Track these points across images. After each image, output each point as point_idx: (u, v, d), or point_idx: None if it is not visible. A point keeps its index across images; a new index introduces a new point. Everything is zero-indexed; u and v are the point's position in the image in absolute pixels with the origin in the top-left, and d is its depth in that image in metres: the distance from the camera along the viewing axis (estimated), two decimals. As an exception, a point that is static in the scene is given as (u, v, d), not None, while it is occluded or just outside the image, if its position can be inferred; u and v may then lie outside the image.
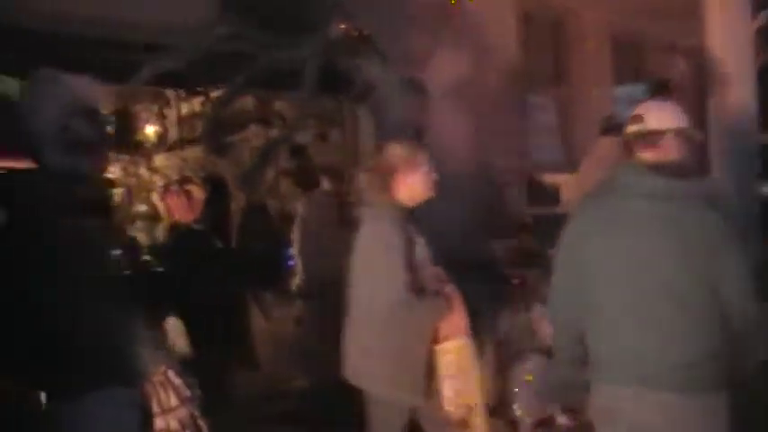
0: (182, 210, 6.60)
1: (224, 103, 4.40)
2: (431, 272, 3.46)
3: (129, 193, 8.96)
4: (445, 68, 5.56)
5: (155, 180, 8.53)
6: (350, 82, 4.58)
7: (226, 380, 6.21)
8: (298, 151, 6.49)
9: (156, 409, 2.29)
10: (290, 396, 5.95)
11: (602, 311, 2.78)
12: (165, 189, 6.63)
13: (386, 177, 3.41)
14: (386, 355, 3.25)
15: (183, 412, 2.33)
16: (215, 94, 7.38)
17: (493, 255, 5.16)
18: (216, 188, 7.03)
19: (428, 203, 5.59)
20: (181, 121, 8.19)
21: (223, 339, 6.30)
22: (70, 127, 2.16)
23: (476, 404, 3.30)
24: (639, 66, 8.84)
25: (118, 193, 9.10)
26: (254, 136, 7.08)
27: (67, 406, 2.03)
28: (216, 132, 4.94)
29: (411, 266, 3.26)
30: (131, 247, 6.55)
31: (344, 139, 5.69)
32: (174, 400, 2.31)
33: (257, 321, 7.04)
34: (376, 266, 3.30)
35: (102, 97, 2.38)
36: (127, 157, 9.04)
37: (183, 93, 7.64)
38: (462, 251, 5.28)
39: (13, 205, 2.05)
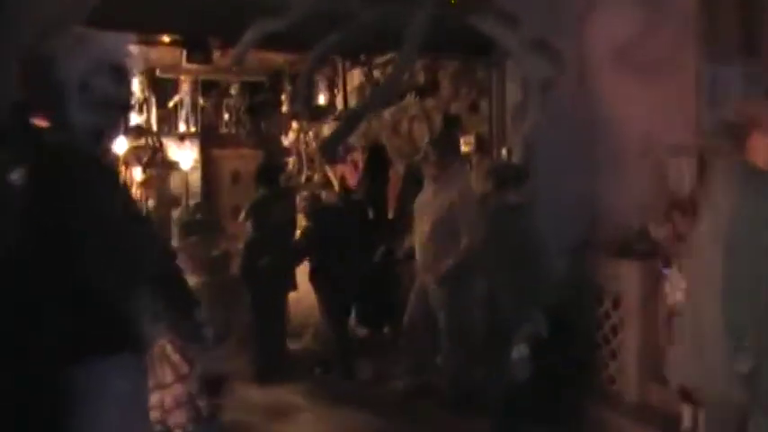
0: (348, 177, 6.60)
1: (315, 64, 4.20)
2: None
3: (301, 159, 9.14)
4: (609, 28, 4.94)
5: (322, 148, 8.61)
6: (488, 46, 4.18)
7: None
8: (450, 122, 6.20)
9: (150, 383, 2.17)
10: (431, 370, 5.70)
11: None
12: (332, 157, 6.70)
13: (741, 136, 2.91)
14: None
15: (178, 389, 2.19)
16: (379, 61, 7.31)
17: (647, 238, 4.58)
18: (378, 157, 6.95)
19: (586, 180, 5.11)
20: (346, 89, 8.16)
21: (367, 309, 6.26)
22: (91, 84, 2.08)
23: None
24: None
25: (291, 160, 9.36)
26: (410, 105, 6.88)
27: (78, 372, 1.99)
28: (308, 96, 4.76)
29: None
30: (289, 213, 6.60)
31: (490, 108, 5.27)
32: (169, 377, 2.18)
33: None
34: (735, 243, 2.80)
35: (133, 56, 2.27)
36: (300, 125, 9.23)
37: (347, 62, 7.59)
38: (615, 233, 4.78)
39: (34, 163, 1.98)
